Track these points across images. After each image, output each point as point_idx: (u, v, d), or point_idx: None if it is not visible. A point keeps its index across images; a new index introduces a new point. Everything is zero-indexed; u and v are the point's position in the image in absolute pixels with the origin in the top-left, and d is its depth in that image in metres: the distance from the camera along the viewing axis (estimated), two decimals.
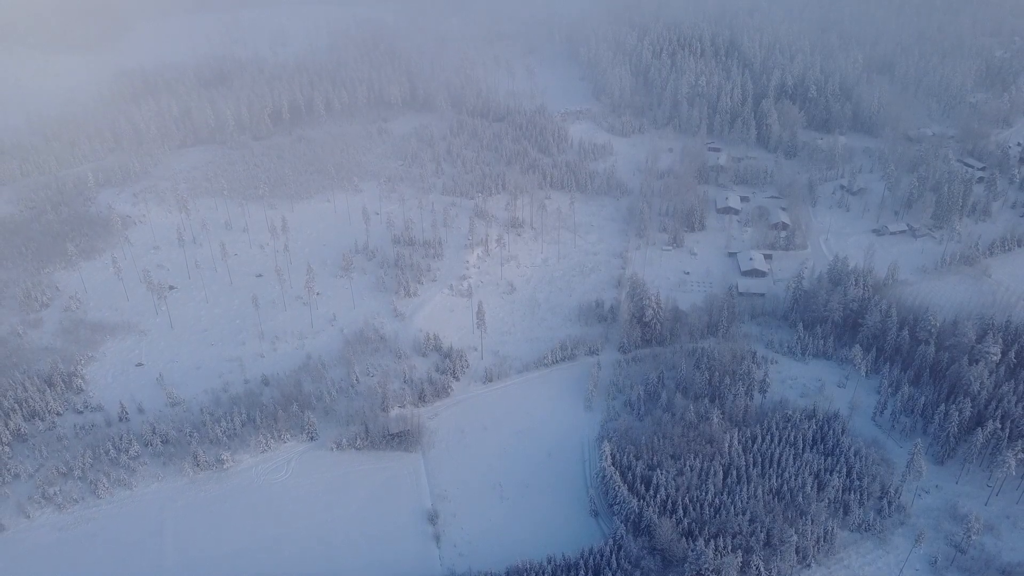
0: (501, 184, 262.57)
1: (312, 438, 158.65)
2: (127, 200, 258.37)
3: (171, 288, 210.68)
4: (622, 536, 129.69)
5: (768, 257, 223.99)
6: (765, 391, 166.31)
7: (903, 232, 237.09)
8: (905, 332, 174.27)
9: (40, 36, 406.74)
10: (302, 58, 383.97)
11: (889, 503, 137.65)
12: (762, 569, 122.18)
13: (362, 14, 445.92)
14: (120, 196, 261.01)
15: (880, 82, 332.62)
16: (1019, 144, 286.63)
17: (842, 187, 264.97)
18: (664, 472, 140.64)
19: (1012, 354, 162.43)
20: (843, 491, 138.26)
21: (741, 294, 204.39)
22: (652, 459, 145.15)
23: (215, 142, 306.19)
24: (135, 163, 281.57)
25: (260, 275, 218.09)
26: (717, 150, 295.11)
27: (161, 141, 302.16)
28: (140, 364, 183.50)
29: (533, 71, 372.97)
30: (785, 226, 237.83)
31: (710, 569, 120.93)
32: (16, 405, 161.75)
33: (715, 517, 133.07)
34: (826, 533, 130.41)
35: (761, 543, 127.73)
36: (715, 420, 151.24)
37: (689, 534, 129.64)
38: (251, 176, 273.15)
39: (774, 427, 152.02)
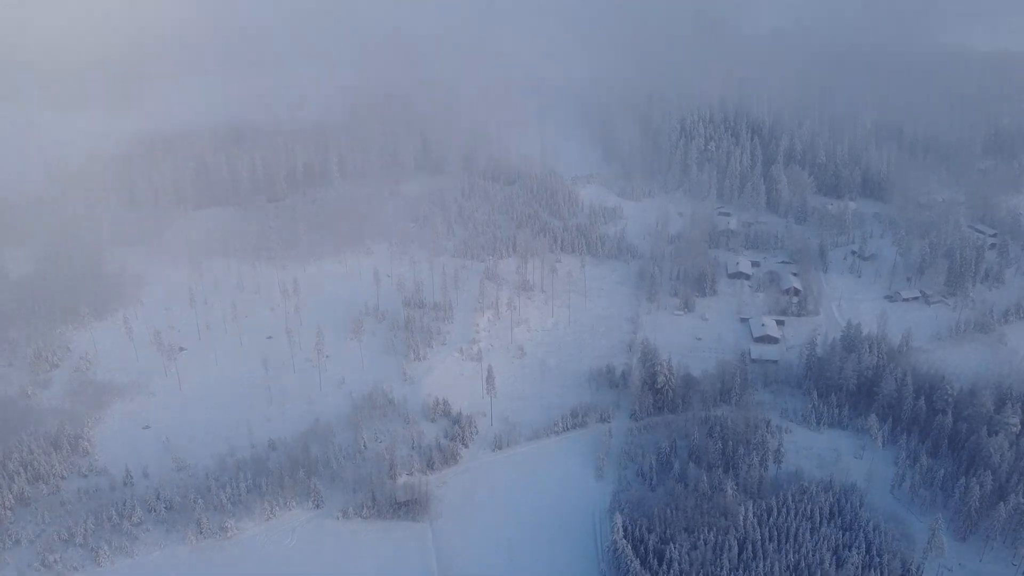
0: (512, 247, 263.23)
1: (318, 506, 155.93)
2: (141, 259, 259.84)
3: (181, 349, 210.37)
4: None
5: (780, 323, 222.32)
6: (780, 461, 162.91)
7: (916, 298, 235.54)
8: (921, 401, 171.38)
9: (63, 95, 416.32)
10: (319, 119, 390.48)
11: None
12: None
13: (378, 76, 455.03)
14: (134, 255, 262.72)
15: (889, 147, 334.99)
16: None
17: (853, 252, 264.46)
18: (678, 546, 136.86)
19: None
20: (862, 568, 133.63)
21: (754, 360, 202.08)
22: (665, 532, 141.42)
23: (230, 203, 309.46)
24: (150, 222, 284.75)
25: (270, 337, 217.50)
26: (727, 215, 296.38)
27: (176, 200, 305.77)
28: (147, 427, 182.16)
29: (545, 134, 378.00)
30: (797, 291, 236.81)
31: None
32: (21, 468, 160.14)
33: None
34: None
35: None
36: (729, 491, 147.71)
37: None
38: (264, 237, 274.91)
39: (790, 499, 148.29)
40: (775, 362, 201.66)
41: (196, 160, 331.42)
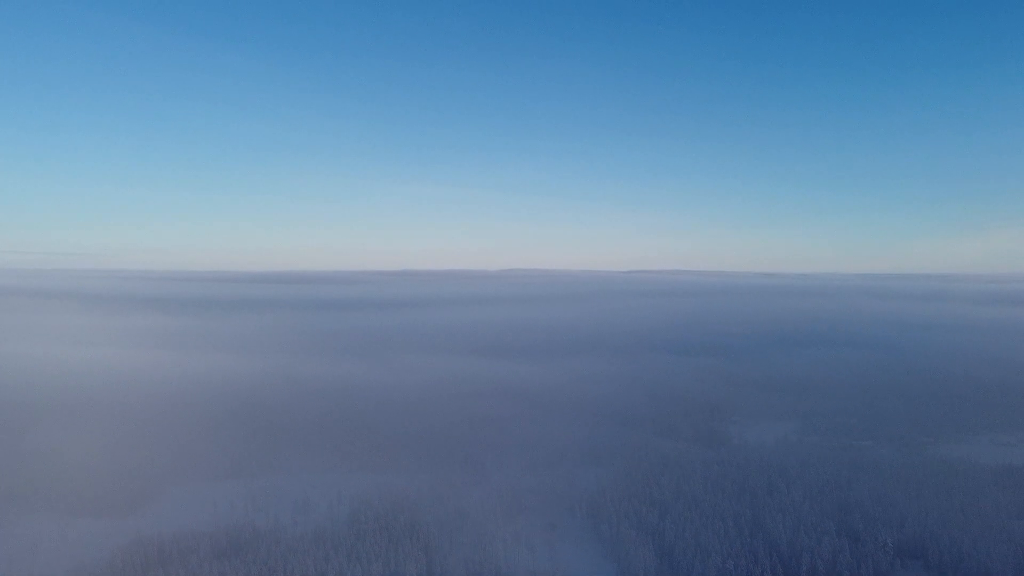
0: None
1: None
2: None
3: None
4: None
5: None
6: None
7: None
8: None
9: (68, 502, 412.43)
10: (321, 528, 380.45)
11: None
12: None
13: (385, 484, 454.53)
14: None
15: (916, 568, 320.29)
16: None
17: None
18: None
19: None
20: None
21: None
22: None
23: None
24: None
25: None
26: None
27: None
28: None
29: (555, 548, 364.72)
30: None
31: None
32: None
33: None
34: None
35: None
36: None
37: None
38: None
39: None
40: None
41: (188, 571, 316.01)
